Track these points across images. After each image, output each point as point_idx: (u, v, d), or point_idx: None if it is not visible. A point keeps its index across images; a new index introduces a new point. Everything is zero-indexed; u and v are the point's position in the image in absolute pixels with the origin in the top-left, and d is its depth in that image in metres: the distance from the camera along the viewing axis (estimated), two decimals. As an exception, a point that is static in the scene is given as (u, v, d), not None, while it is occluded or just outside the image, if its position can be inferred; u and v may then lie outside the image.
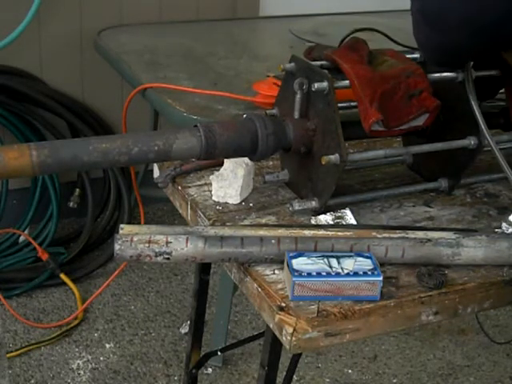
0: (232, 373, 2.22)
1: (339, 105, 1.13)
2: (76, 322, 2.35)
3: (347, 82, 1.16)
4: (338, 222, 1.15)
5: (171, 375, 2.18)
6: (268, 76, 1.74)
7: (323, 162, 1.10)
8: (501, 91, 1.30)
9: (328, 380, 2.22)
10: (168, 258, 1.02)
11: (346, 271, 0.99)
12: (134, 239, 1.02)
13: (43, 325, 2.34)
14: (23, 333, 2.31)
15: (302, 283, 0.98)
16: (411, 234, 1.08)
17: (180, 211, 1.29)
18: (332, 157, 1.10)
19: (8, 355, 2.17)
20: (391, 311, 1.00)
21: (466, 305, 1.05)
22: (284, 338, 0.96)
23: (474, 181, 1.32)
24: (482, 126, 1.18)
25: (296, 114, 1.16)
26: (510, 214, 1.15)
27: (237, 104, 1.74)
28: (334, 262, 1.01)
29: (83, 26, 2.64)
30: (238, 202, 1.22)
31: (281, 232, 1.07)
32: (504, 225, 1.15)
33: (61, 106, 2.61)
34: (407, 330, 2.35)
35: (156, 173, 1.34)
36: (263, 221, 1.17)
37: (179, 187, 1.27)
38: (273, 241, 1.04)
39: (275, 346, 1.10)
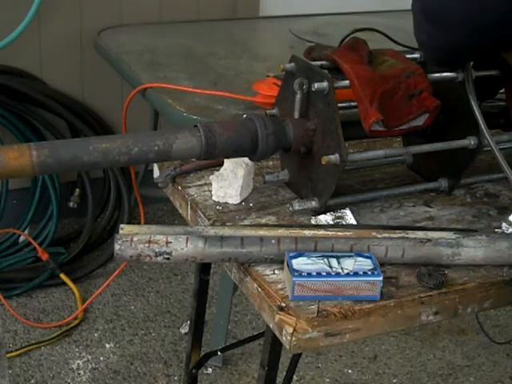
0: (232, 373, 2.22)
1: (339, 105, 1.13)
2: (76, 322, 2.35)
3: (347, 82, 1.16)
4: (338, 222, 1.15)
5: (171, 375, 2.18)
6: (268, 76, 1.74)
7: (323, 162, 1.10)
8: (501, 91, 1.30)
9: (328, 380, 2.22)
10: (168, 258, 1.02)
11: (345, 271, 0.99)
12: (134, 239, 1.02)
13: (43, 325, 2.34)
14: (23, 333, 2.31)
15: (302, 283, 0.97)
16: (411, 234, 1.08)
17: (180, 211, 1.29)
18: (332, 157, 1.10)
19: (8, 355, 2.17)
20: (391, 311, 1.00)
21: (466, 305, 1.05)
22: (284, 338, 0.96)
23: (474, 181, 1.32)
24: (482, 126, 1.18)
25: (296, 114, 1.16)
26: (510, 214, 1.15)
27: (237, 104, 1.74)
28: (333, 262, 1.01)
29: (83, 26, 2.64)
30: (238, 201, 1.22)
31: (281, 232, 1.07)
32: (504, 225, 1.15)
33: (61, 106, 2.61)
34: (407, 330, 2.35)
35: (156, 173, 1.34)
36: (263, 221, 1.17)
37: (179, 187, 1.27)
38: (273, 241, 1.04)
39: (275, 346, 1.10)
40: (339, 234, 1.08)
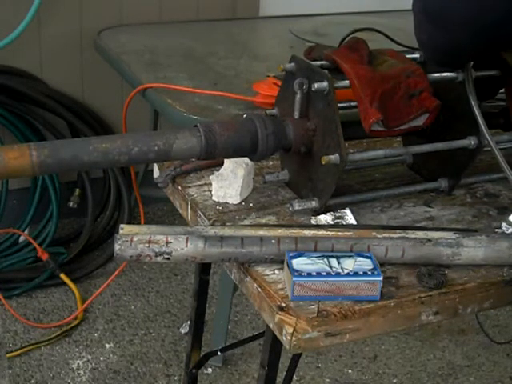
0: (232, 373, 2.22)
1: (339, 105, 1.13)
2: (76, 322, 2.35)
3: (347, 81, 1.16)
4: (337, 222, 1.15)
5: (171, 375, 2.18)
6: (268, 76, 1.74)
7: (323, 162, 1.10)
8: (501, 91, 1.30)
9: (328, 380, 2.22)
10: (168, 258, 1.02)
11: (345, 271, 0.99)
12: (134, 239, 1.02)
13: (43, 325, 2.34)
14: (23, 333, 2.31)
15: (302, 283, 0.98)
16: (411, 234, 1.08)
17: (180, 211, 1.29)
18: (332, 157, 1.10)
19: (8, 355, 2.17)
20: (391, 311, 1.00)
21: (466, 305, 1.05)
22: (284, 338, 0.96)
23: (474, 181, 1.32)
24: (482, 126, 1.18)
25: (296, 114, 1.16)
26: (510, 214, 1.15)
27: (237, 104, 1.74)
28: (334, 262, 1.01)
29: (83, 26, 2.63)
30: (238, 201, 1.22)
31: (281, 232, 1.07)
32: (504, 225, 1.15)
33: (61, 106, 2.61)
34: (407, 330, 2.35)
35: (156, 173, 1.34)
36: (263, 221, 1.17)
37: (179, 187, 1.27)
38: (273, 241, 1.04)
39: (275, 346, 1.10)
40: (339, 234, 1.08)
